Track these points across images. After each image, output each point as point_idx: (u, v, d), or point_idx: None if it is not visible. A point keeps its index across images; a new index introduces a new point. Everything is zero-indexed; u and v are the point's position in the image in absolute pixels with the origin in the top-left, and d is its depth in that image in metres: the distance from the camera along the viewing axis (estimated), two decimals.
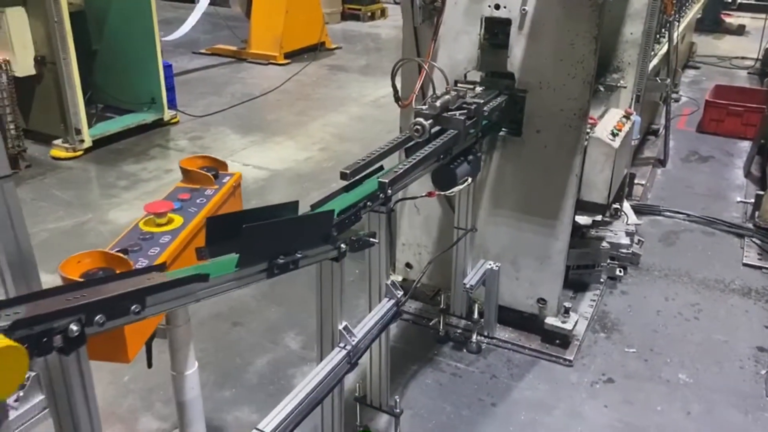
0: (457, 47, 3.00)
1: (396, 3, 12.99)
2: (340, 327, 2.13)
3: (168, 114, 6.41)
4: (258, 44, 9.08)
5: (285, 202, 1.83)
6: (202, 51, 9.36)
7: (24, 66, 5.39)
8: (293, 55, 9.13)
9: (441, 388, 3.07)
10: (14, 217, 1.22)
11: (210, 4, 9.31)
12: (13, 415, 1.24)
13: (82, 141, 5.64)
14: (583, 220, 3.84)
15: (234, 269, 1.55)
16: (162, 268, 1.45)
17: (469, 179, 2.72)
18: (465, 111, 2.57)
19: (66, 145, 5.65)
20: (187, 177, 2.09)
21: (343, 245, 1.99)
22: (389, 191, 2.16)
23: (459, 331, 3.43)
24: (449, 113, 2.55)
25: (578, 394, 3.04)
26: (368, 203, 2.11)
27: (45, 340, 1.09)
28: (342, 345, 2.13)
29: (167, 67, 6.47)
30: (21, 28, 5.33)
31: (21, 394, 1.27)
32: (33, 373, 1.29)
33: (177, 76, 7.29)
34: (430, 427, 2.84)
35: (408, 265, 3.59)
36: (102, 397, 3.00)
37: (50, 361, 1.17)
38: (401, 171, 2.19)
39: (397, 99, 2.80)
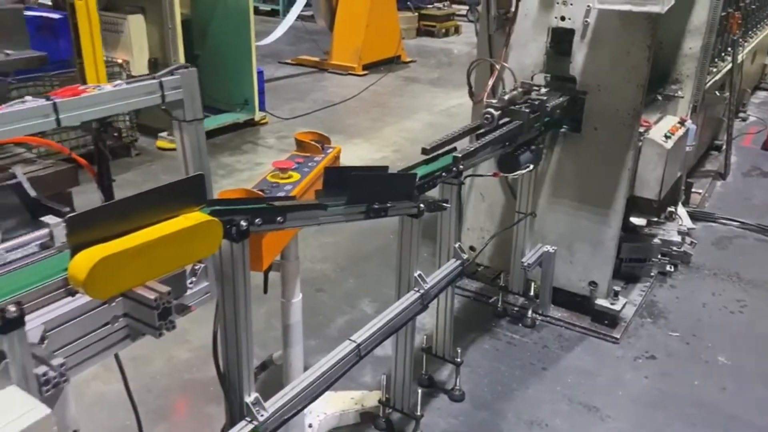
0: (526, 53, 3.43)
1: (470, 21, 13.51)
2: (415, 274, 2.58)
3: (258, 115, 7.08)
4: (339, 56, 9.73)
5: (378, 165, 2.31)
6: (287, 61, 10.09)
7: (140, 66, 6.15)
8: (370, 67, 9.73)
9: (497, 353, 3.47)
10: (202, 153, 1.72)
11: (296, 19, 10.06)
12: (188, 292, 1.73)
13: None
14: (638, 221, 4.17)
15: (343, 206, 2.04)
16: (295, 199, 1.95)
17: (531, 166, 3.14)
18: (529, 105, 2.99)
19: (170, 137, 6.36)
20: (300, 147, 2.60)
21: (421, 204, 2.44)
22: (461, 165, 2.61)
23: (516, 308, 3.81)
24: (515, 106, 2.98)
25: (622, 365, 3.37)
26: (443, 174, 2.57)
27: (227, 227, 1.60)
28: (416, 289, 2.58)
29: (259, 73, 7.15)
30: (139, 33, 6.10)
31: (194, 279, 1.76)
32: (202, 265, 1.78)
33: (266, 83, 7.98)
34: (486, 381, 3.24)
35: (471, 248, 4.01)
36: (209, 341, 3.56)
37: (224, 247, 1.67)
38: (472, 149, 2.64)
39: (471, 94, 3.26)
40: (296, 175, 2.37)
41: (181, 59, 6.07)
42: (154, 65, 6.23)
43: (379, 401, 2.90)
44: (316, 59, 9.98)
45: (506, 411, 3.05)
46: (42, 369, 1.30)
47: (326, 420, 2.90)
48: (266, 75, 8.84)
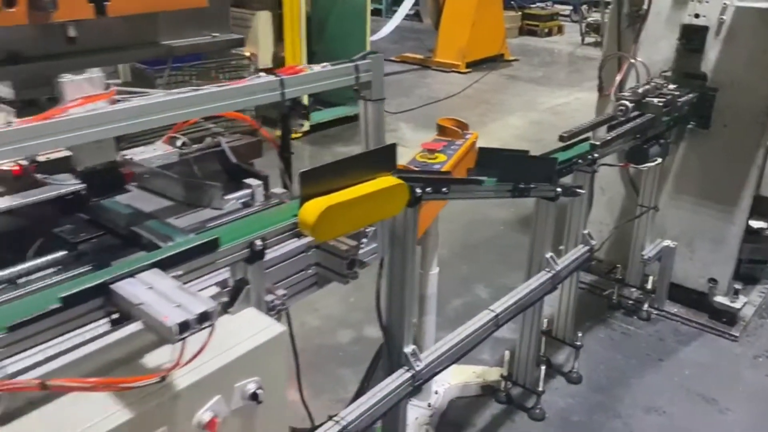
0: (656, 49, 3.49)
1: (573, 21, 13.34)
2: (547, 255, 2.73)
3: None
4: (443, 53, 9.92)
5: (520, 149, 2.49)
6: (392, 58, 10.37)
7: (264, 60, 6.58)
8: (474, 65, 9.85)
9: (612, 342, 3.55)
10: (381, 128, 1.95)
11: (403, 19, 10.35)
12: (362, 250, 1.97)
13: (302, 126, 6.73)
14: (757, 224, 4.11)
15: (493, 183, 2.23)
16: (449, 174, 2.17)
17: (659, 159, 3.21)
18: (662, 99, 3.07)
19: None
20: (442, 132, 2.81)
21: (558, 188, 2.59)
22: (596, 154, 2.74)
23: (630, 301, 3.87)
24: (648, 100, 3.07)
25: (741, 362, 3.38)
26: (579, 161, 2.71)
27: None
28: (548, 270, 2.73)
29: None
30: (266, 28, 6.53)
31: (365, 240, 2.00)
32: (373, 228, 2.01)
33: None
34: (602, 368, 3.34)
35: None
36: (334, 311, 3.86)
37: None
38: (609, 138, 2.76)
39: (600, 89, 3.36)
40: (442, 156, 2.58)
41: (304, 55, 6.45)
42: (277, 59, 6.64)
43: (501, 376, 3.08)
44: (421, 57, 10.21)
45: (623, 396, 3.15)
46: (270, 297, 1.57)
47: (450, 389, 3.10)
48: None
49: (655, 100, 3.05)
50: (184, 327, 1.09)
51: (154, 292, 1.16)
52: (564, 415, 3.02)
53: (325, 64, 1.80)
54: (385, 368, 2.15)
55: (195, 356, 1.14)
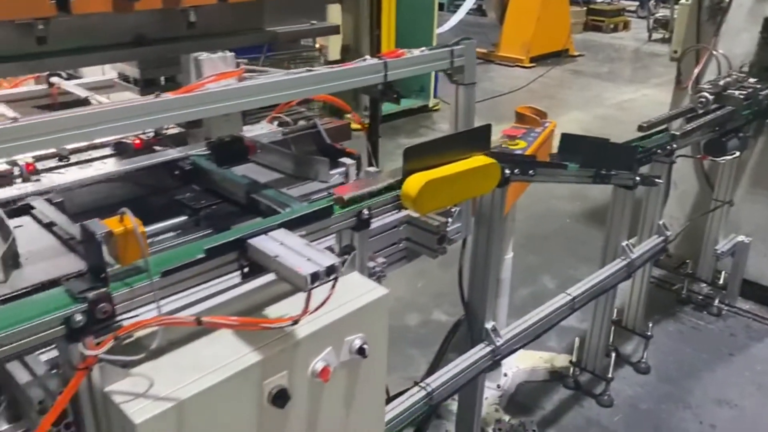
0: (737, 42, 3.46)
1: (640, 17, 13.07)
2: (624, 243, 2.77)
3: (432, 101, 7.46)
4: (507, 48, 9.90)
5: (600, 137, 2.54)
6: None
7: (333, 52, 6.74)
8: (538, 60, 9.80)
9: (681, 335, 3.55)
10: (471, 112, 2.04)
11: (467, 14, 10.38)
12: (447, 229, 2.06)
13: (367, 116, 6.86)
14: None
15: (576, 168, 2.29)
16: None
17: (737, 153, 3.18)
18: (743, 92, 3.05)
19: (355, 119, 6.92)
20: (521, 119, 2.88)
21: (637, 177, 2.63)
22: (675, 144, 2.76)
23: (700, 296, 3.85)
24: (728, 92, 3.05)
25: None
26: (658, 150, 2.73)
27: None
28: (623, 257, 2.77)
29: None
30: (338, 20, 6.68)
31: (450, 219, 2.10)
32: (458, 208, 2.11)
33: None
34: (671, 360, 3.35)
35: None
36: (403, 295, 3.97)
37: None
38: (689, 129, 2.77)
39: (678, 81, 3.36)
40: (522, 143, 2.66)
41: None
42: (346, 51, 6.80)
43: (570, 362, 3.13)
44: (483, 50, 10.20)
45: (692, 388, 3.15)
46: (371, 263, 1.69)
47: (518, 373, 3.17)
48: None
49: (736, 92, 3.03)
50: (315, 277, 1.21)
51: (286, 248, 1.29)
52: (632, 402, 3.06)
53: (422, 48, 1.91)
54: (465, 343, 2.25)
55: (321, 305, 1.26)
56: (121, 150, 1.98)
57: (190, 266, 1.26)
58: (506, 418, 2.84)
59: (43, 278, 1.30)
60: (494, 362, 2.20)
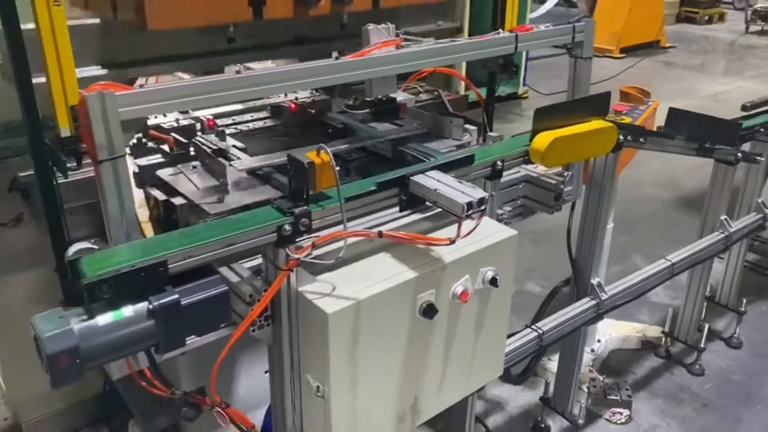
0: None
1: (736, 9, 12.62)
2: (722, 218, 2.90)
3: (521, 89, 7.59)
4: (597, 38, 9.78)
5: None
6: None
7: None
8: (628, 51, 9.71)
9: None
10: (586, 84, 2.26)
11: (556, 5, 10.38)
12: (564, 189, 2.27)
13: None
14: None
15: (683, 140, 2.46)
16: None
17: None
18: None
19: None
20: (625, 97, 3.06)
21: (739, 153, 2.75)
22: None
23: None
24: None
25: None
26: (760, 129, 2.84)
27: None
28: (721, 231, 2.89)
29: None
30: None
31: (564, 181, 2.31)
32: (570, 173, 2.32)
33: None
34: (764, 338, 3.42)
35: None
36: None
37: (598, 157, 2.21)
38: None
39: None
40: (627, 118, 2.83)
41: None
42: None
43: (662, 332, 3.27)
44: None
45: None
46: (499, 211, 1.94)
47: (611, 340, 3.33)
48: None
49: None
50: (470, 206, 1.47)
51: (442, 184, 1.55)
52: (724, 374, 3.17)
53: (547, 24, 2.13)
54: (573, 296, 2.46)
55: (471, 231, 1.52)
56: (276, 113, 2.31)
57: (365, 195, 1.55)
58: (600, 377, 3.02)
59: (248, 201, 1.63)
60: (598, 315, 2.40)
